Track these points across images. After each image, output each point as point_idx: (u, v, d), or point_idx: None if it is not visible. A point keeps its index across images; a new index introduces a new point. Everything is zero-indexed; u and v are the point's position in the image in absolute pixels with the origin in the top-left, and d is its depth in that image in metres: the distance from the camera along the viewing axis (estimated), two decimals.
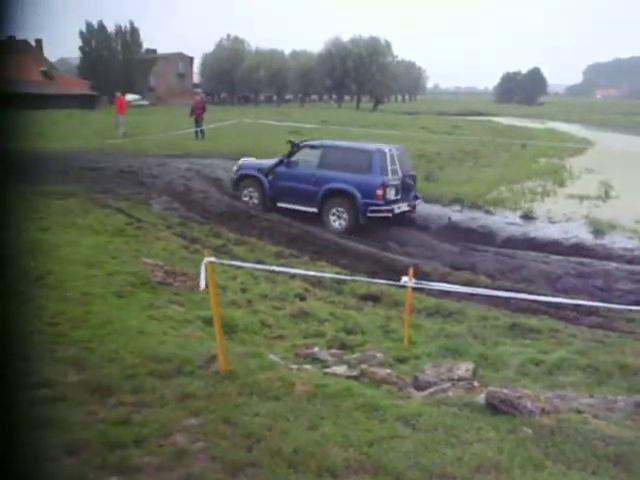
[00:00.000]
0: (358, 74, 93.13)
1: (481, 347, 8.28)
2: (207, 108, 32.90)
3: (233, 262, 9.95)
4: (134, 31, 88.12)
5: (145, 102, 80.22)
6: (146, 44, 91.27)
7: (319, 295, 10.97)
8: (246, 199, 18.16)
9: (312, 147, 17.68)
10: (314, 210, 16.80)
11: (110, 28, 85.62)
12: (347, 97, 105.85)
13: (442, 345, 8.05)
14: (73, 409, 4.79)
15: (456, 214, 18.82)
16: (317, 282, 11.56)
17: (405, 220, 17.09)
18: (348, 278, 10.85)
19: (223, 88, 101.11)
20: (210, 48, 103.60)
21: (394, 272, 10.78)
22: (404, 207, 16.81)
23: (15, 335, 6.24)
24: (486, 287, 10.68)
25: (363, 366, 6.34)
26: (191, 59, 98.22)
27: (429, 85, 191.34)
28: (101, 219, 13.91)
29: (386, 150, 16.47)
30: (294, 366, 6.20)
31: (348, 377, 5.97)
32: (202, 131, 31.53)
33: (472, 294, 9.90)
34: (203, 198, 17.57)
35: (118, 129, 31.45)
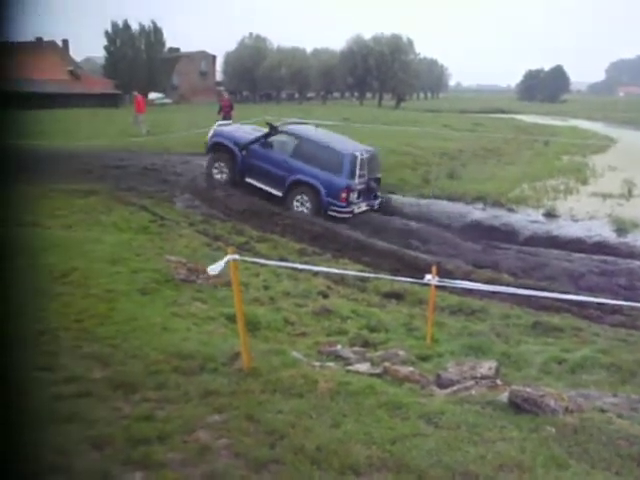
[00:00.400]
0: (380, 72, 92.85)
1: (504, 345, 8.24)
2: (233, 107, 33.03)
3: (256, 259, 9.97)
4: (157, 30, 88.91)
5: (168, 100, 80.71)
6: (169, 43, 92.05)
7: (342, 293, 10.96)
8: (217, 170, 18.76)
9: (288, 134, 18.06)
10: (279, 194, 17.46)
11: (135, 28, 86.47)
12: (369, 95, 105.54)
13: (465, 343, 8.03)
14: (98, 405, 4.84)
15: (479, 212, 18.74)
16: (340, 280, 11.56)
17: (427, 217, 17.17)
18: (371, 276, 10.84)
19: (245, 86, 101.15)
20: (232, 46, 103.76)
21: (417, 270, 10.77)
22: (363, 207, 17.46)
23: (41, 331, 6.35)
24: (509, 285, 10.61)
25: (386, 364, 6.33)
26: (214, 57, 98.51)
27: (451, 83, 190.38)
28: (125, 216, 14.01)
29: (357, 154, 16.94)
30: (317, 363, 6.20)
31: (371, 375, 5.96)
32: None
33: (495, 292, 9.88)
34: (225, 196, 17.59)
35: (138, 127, 31.63)
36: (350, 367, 6.33)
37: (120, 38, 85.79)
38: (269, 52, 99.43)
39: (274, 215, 16.33)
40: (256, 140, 18.13)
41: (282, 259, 12.16)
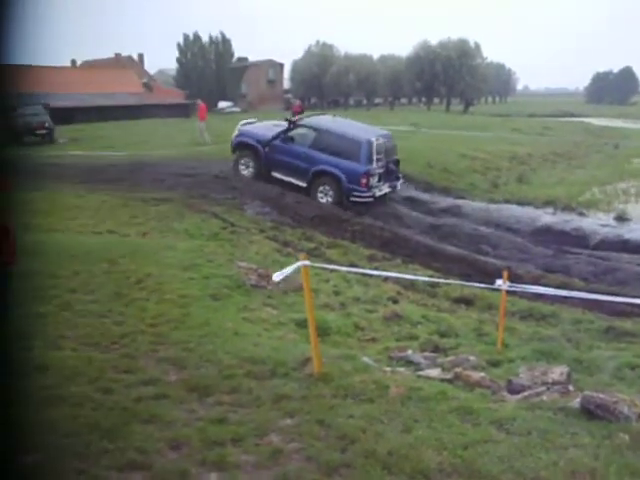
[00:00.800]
0: (447, 77, 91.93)
1: (575, 351, 8.11)
2: (303, 112, 33.40)
3: (327, 265, 10.04)
4: (226, 41, 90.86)
5: (237, 109, 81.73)
6: (238, 53, 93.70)
7: (412, 298, 10.95)
8: (243, 166, 19.77)
9: (307, 127, 19.07)
10: (304, 185, 18.46)
11: (205, 40, 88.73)
12: (436, 100, 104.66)
13: (536, 348, 7.92)
14: (174, 407, 4.99)
15: (549, 216, 18.46)
16: (410, 285, 11.55)
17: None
18: (441, 281, 10.80)
19: (313, 93, 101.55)
20: (299, 54, 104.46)
21: (487, 275, 10.69)
22: (385, 189, 18.49)
23: (121, 335, 6.59)
24: (580, 290, 10.44)
25: (457, 369, 6.32)
26: (281, 65, 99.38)
27: (519, 87, 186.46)
28: (196, 223, 14.28)
29: (373, 140, 17.89)
30: (387, 369, 6.23)
31: (442, 380, 5.96)
32: None
33: (566, 297, 9.72)
34: (295, 202, 17.75)
35: (202, 136, 32.19)
36: (421, 372, 6.34)
37: (191, 50, 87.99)
38: (336, 59, 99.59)
39: (343, 221, 16.39)
40: (277, 136, 19.00)
41: (352, 265, 12.20)
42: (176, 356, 6.09)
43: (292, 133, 18.92)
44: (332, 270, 10.87)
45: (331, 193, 17.96)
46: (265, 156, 19.15)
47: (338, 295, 10.33)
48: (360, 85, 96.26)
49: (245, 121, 21.04)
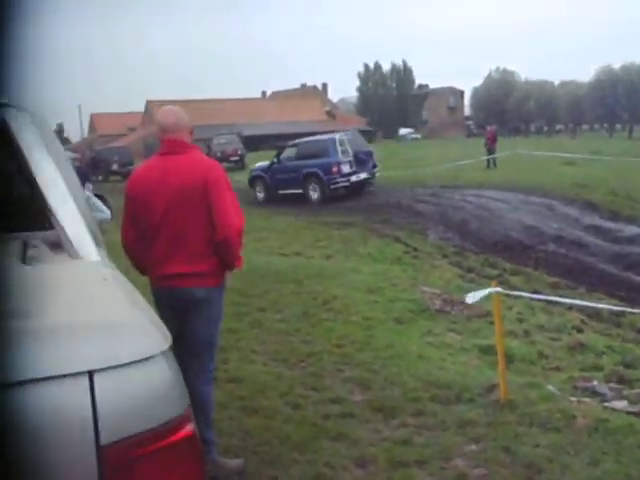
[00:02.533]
0: (630, 101, 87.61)
1: None
2: (497, 139, 33.06)
3: (518, 292, 9.88)
4: (407, 69, 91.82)
5: (417, 135, 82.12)
6: (418, 79, 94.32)
7: (596, 327, 10.50)
8: (258, 192, 24.71)
9: (291, 146, 24.60)
10: (300, 191, 23.07)
11: (385, 67, 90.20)
12: (618, 126, 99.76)
13: None
14: (360, 426, 5.13)
15: None
16: (594, 314, 11.09)
17: None
18: (627, 310, 10.32)
19: (493, 119, 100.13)
20: (479, 81, 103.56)
21: None
22: (363, 175, 23.06)
23: (309, 353, 6.86)
24: None
25: None
26: (461, 92, 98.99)
27: None
28: (380, 247, 14.53)
29: (336, 137, 23.13)
30: (573, 398, 6.06)
31: (629, 413, 5.73)
32: (494, 160, 31.81)
33: None
34: (477, 229, 17.57)
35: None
36: (607, 404, 6.12)
37: (371, 78, 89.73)
38: (517, 85, 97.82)
39: (527, 248, 16.02)
40: (272, 162, 24.22)
41: (535, 292, 11.91)
42: (361, 376, 6.24)
43: (282, 155, 24.12)
44: (516, 297, 10.68)
45: (317, 188, 22.65)
46: (270, 179, 24.02)
47: (522, 322, 10.09)
48: (541, 111, 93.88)
49: (257, 164, 26.26)
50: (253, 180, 25.20)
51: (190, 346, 3.99)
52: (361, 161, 23.25)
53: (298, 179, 22.92)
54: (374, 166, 24.23)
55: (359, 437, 4.89)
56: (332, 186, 22.26)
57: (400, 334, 7.99)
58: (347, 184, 22.41)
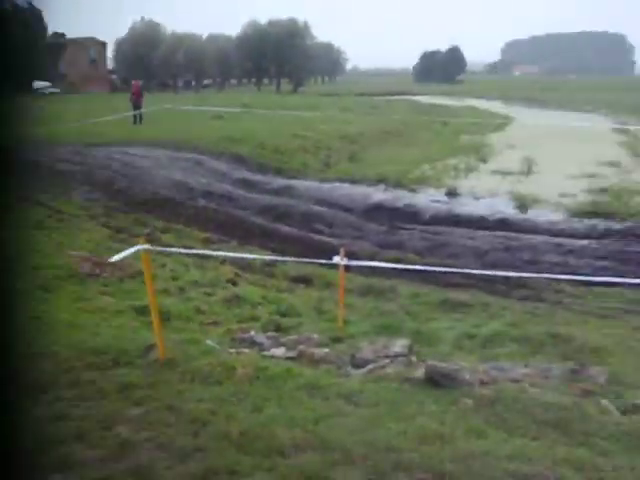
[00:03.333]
0: (277, 56, 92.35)
1: (415, 323, 8.40)
2: (143, 93, 32.33)
3: (167, 249, 9.79)
4: (35, 12, 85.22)
5: (56, 90, 77.42)
6: (52, 27, 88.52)
7: (250, 279, 10.92)
8: None
9: None
10: None
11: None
12: (266, 80, 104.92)
13: (376, 323, 8.15)
14: None
15: (381, 194, 18.88)
16: (247, 266, 11.52)
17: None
18: (279, 259, 10.85)
19: (138, 74, 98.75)
20: (123, 32, 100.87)
21: (323, 253, 10.81)
22: None
23: None
24: (415, 264, 10.78)
25: (301, 347, 6.37)
26: (104, 44, 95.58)
27: (348, 67, 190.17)
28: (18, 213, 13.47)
29: None
30: (232, 350, 6.18)
31: (287, 359, 6.00)
32: (141, 115, 31.14)
33: (402, 272, 10.05)
34: (126, 188, 17.17)
35: None
36: (266, 352, 6.35)
37: None
38: (163, 38, 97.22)
39: (177, 205, 16.10)
40: None
41: (187, 248, 11.98)
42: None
43: None
44: (168, 254, 10.64)
45: None
46: None
47: (176, 280, 10.11)
48: (188, 65, 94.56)
49: None
50: None
51: None
52: None
53: None
54: None
55: None
56: None
57: (48, 303, 7.47)
58: None
